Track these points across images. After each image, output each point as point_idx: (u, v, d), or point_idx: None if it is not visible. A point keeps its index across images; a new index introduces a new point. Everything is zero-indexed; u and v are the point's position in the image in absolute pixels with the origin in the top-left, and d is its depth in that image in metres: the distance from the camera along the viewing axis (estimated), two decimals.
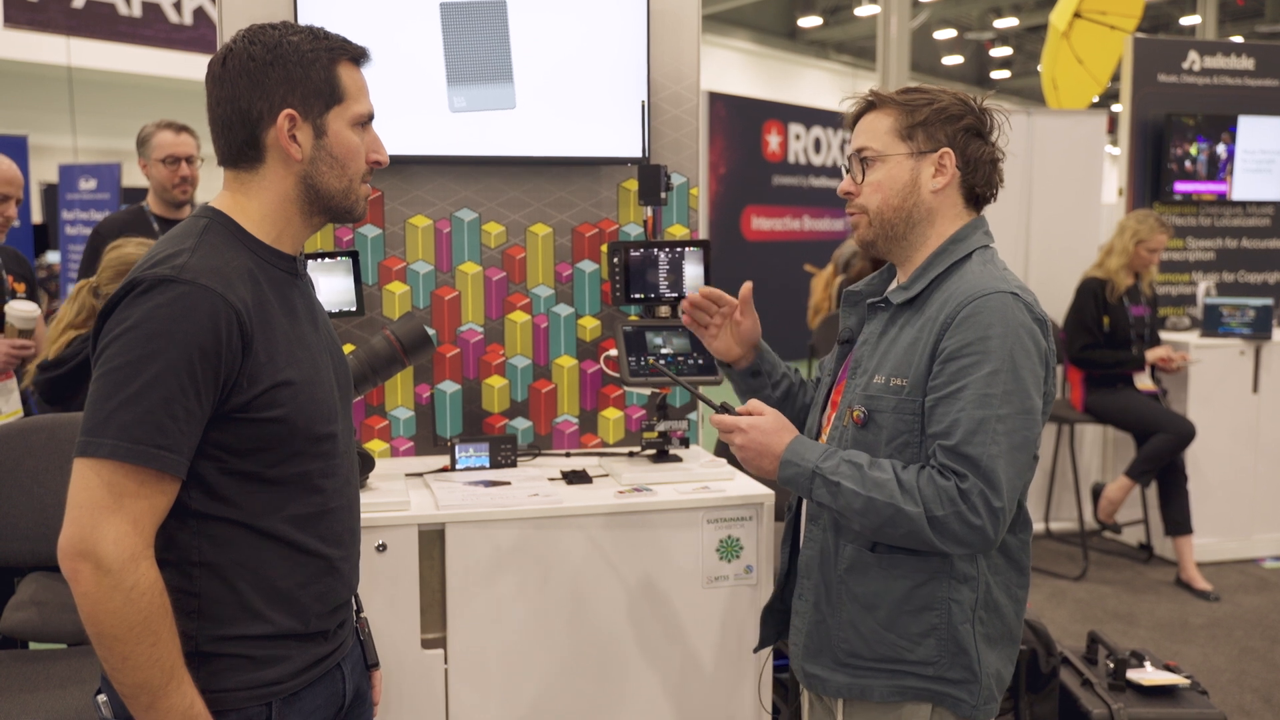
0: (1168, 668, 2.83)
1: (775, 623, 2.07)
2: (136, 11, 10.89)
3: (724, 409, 1.85)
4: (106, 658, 1.36)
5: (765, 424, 1.80)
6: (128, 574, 1.33)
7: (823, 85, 23.29)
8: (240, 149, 1.51)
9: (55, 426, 2.65)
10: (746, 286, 2.01)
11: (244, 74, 1.49)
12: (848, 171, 1.88)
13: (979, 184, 1.85)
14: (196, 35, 11.37)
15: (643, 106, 2.79)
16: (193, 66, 11.63)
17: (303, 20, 2.55)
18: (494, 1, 2.71)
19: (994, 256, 1.84)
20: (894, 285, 1.90)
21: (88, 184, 8.15)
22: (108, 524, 1.33)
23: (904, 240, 1.85)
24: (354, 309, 2.50)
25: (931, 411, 1.70)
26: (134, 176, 9.44)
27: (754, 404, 1.85)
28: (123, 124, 12.36)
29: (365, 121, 1.57)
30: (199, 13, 11.27)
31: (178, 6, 11.14)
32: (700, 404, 1.90)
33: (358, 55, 1.57)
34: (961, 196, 1.85)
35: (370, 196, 1.62)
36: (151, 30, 11.10)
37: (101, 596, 1.33)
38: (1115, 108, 13.13)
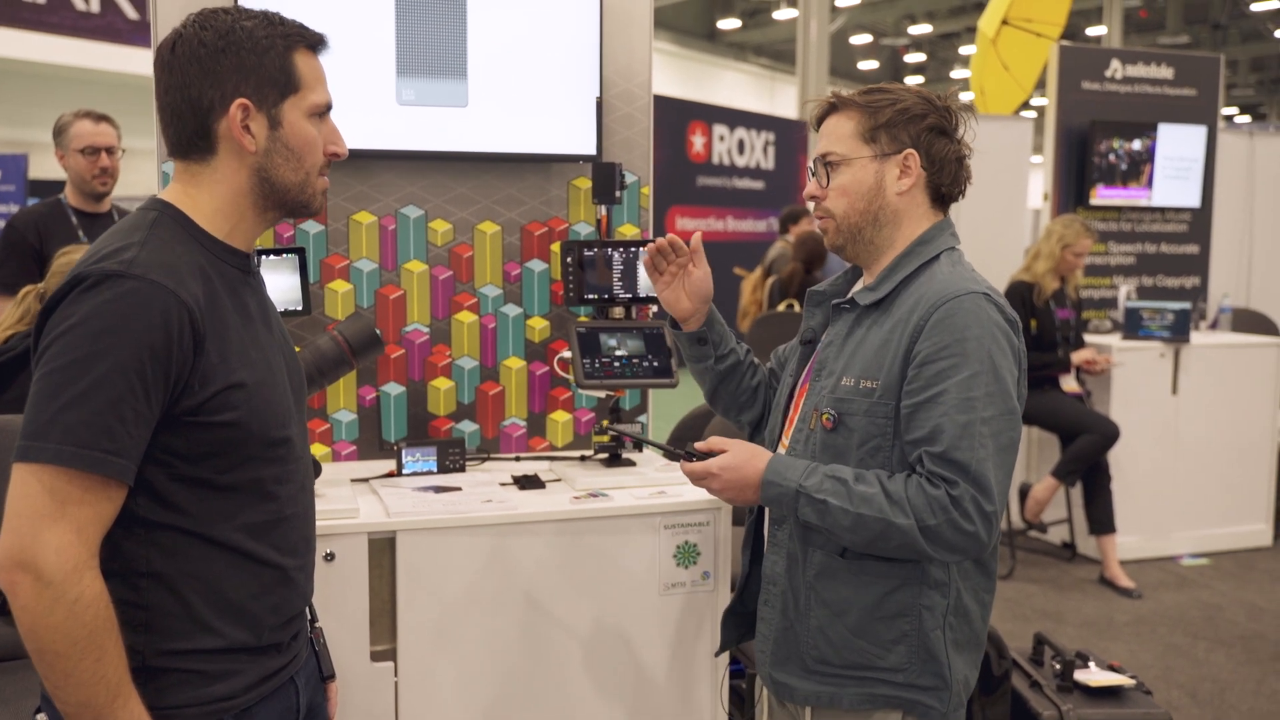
0: (1111, 668, 2.86)
1: (737, 625, 2.04)
2: None
3: (688, 455, 1.79)
4: (48, 675, 1.29)
5: (734, 460, 1.75)
6: (70, 586, 1.26)
7: (741, 87, 23.47)
8: (190, 139, 1.45)
9: None
10: (696, 236, 1.99)
11: (194, 61, 1.42)
12: (814, 175, 1.86)
13: (945, 183, 1.84)
14: (104, 23, 11.01)
15: (597, 103, 2.73)
16: (100, 56, 11.24)
17: None
18: None
19: (961, 258, 1.83)
20: (859, 286, 1.88)
21: None
22: (50, 533, 1.26)
23: (871, 244, 1.83)
24: (300, 308, 2.40)
25: (910, 417, 1.67)
26: (41, 168, 9.09)
27: (714, 441, 1.79)
28: (27, 113, 11.91)
29: (323, 112, 1.51)
30: (107, 0, 10.91)
31: None
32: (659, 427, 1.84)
33: (315, 42, 1.51)
34: (928, 197, 1.83)
35: (325, 190, 1.56)
36: (57, 18, 10.75)
37: (42, 610, 1.25)
38: (1027, 114, 13.43)
